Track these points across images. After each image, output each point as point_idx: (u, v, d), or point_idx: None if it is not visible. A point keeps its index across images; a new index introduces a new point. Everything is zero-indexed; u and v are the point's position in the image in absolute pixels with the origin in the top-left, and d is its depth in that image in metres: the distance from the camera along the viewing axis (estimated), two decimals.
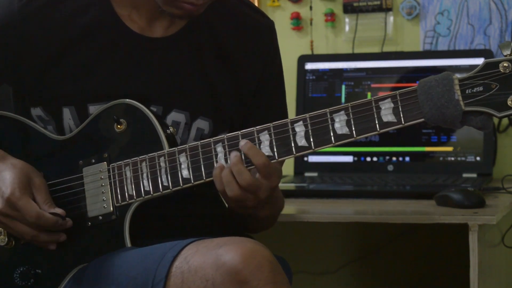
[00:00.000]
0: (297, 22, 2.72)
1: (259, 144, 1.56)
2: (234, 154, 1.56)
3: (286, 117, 1.85)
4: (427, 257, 2.63)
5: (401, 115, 1.49)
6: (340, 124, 1.52)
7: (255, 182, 1.56)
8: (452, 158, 2.42)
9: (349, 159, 2.50)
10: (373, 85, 2.51)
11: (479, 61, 2.42)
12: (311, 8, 2.71)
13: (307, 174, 2.51)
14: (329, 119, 1.53)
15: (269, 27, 1.83)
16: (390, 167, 2.46)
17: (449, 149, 2.42)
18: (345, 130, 1.52)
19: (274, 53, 1.83)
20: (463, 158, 2.41)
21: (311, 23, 2.72)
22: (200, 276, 1.44)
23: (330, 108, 1.53)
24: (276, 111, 1.83)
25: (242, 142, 1.56)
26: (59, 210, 1.63)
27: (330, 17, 2.69)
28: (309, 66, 2.58)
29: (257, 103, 1.80)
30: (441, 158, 2.43)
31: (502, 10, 2.55)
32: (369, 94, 2.51)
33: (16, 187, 1.61)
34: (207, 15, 1.72)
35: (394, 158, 2.46)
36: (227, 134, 1.58)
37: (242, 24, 1.78)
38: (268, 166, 1.55)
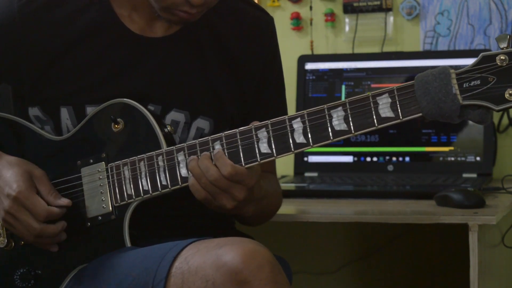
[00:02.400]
0: (297, 22, 2.73)
1: (257, 141, 1.56)
2: (204, 153, 1.57)
3: (286, 113, 1.85)
4: (427, 257, 2.63)
5: (399, 110, 1.49)
6: (338, 120, 1.52)
7: (223, 180, 1.56)
8: (452, 158, 2.42)
9: (349, 159, 2.49)
10: (373, 85, 2.51)
11: None
12: (311, 8, 2.71)
13: (307, 174, 2.51)
14: (326, 115, 1.52)
15: (269, 23, 1.83)
16: (390, 167, 2.46)
17: (449, 149, 2.42)
18: (343, 126, 1.52)
19: (274, 49, 1.83)
20: (463, 158, 2.41)
21: (311, 23, 2.72)
22: (200, 276, 1.44)
23: (327, 104, 1.53)
24: (277, 107, 1.83)
25: (215, 152, 1.56)
26: (65, 201, 1.63)
27: (330, 17, 2.70)
28: (309, 66, 2.58)
29: (258, 100, 1.80)
30: (441, 158, 2.43)
31: (502, 10, 2.55)
32: (369, 94, 2.50)
33: (21, 184, 1.61)
34: (206, 14, 1.72)
35: (394, 158, 2.46)
36: (225, 132, 1.58)
37: (242, 21, 1.79)
38: (235, 175, 1.55)
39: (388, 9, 2.64)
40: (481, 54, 1.46)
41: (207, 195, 1.58)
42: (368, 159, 2.48)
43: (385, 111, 1.50)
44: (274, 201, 1.80)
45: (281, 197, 1.85)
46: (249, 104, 1.79)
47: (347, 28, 2.69)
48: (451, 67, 2.42)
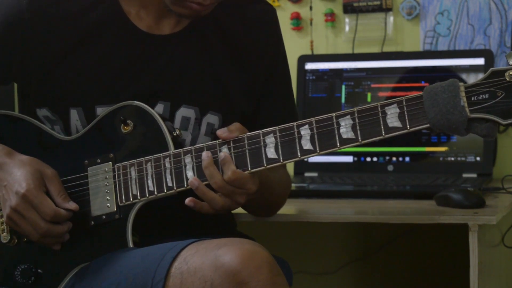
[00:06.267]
0: (297, 22, 2.73)
1: (265, 146, 1.57)
2: (206, 155, 1.58)
3: (294, 102, 1.88)
4: (427, 257, 2.63)
5: (407, 121, 1.50)
6: (345, 128, 1.53)
7: (227, 185, 1.57)
8: (452, 158, 2.42)
9: (349, 159, 2.50)
10: (373, 85, 2.51)
11: (479, 61, 2.43)
12: (311, 8, 2.71)
13: (307, 174, 2.51)
14: (334, 123, 1.54)
15: (272, 14, 1.83)
16: (390, 167, 2.46)
17: (449, 149, 2.42)
18: (350, 135, 1.53)
19: (278, 40, 1.84)
20: (463, 158, 2.41)
21: (311, 23, 2.72)
22: (199, 277, 1.45)
23: (336, 113, 1.54)
24: (285, 97, 1.85)
25: (222, 155, 1.57)
26: (73, 205, 1.63)
27: (330, 17, 2.70)
28: (309, 66, 2.58)
29: (267, 91, 1.81)
30: (441, 158, 2.43)
31: (502, 10, 2.55)
32: (369, 94, 2.51)
33: (30, 182, 1.61)
34: (212, 10, 1.72)
35: (394, 158, 2.46)
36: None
37: (246, 15, 1.80)
38: (235, 180, 1.57)
39: (388, 9, 2.64)
40: (490, 69, 1.49)
41: (213, 209, 1.61)
42: (368, 159, 2.48)
43: (393, 121, 1.51)
44: (279, 190, 1.80)
45: (288, 186, 1.86)
46: (257, 96, 1.80)
47: (347, 28, 2.69)
48: (451, 67, 2.45)
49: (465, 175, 2.38)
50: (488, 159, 2.40)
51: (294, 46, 2.70)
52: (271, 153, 1.57)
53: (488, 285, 1.95)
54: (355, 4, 2.66)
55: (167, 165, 1.62)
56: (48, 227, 1.61)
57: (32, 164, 1.65)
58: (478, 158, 2.40)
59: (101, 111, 1.70)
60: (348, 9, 2.68)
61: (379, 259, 2.68)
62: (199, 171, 1.59)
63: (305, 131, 1.55)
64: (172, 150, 1.62)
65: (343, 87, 2.54)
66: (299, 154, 1.55)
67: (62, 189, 1.65)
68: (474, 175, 2.38)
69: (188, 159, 1.61)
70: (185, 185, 1.60)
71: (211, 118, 1.75)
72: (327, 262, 2.73)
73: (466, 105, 1.47)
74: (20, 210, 1.60)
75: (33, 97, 1.74)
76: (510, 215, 2.05)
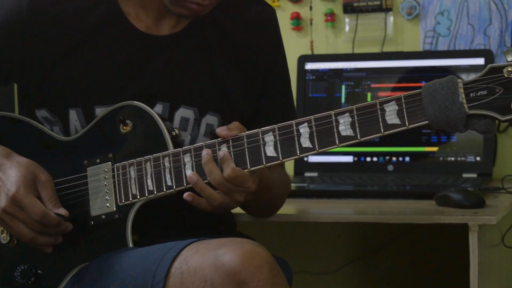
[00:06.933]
0: (297, 22, 2.73)
1: (264, 145, 1.57)
2: (205, 152, 1.58)
3: (293, 104, 1.88)
4: (427, 257, 2.63)
5: (405, 118, 1.50)
6: (344, 126, 1.53)
7: (226, 183, 1.57)
8: (452, 158, 2.42)
9: (349, 159, 2.50)
10: (373, 85, 2.51)
11: (479, 61, 2.43)
12: (311, 8, 2.71)
13: (307, 174, 2.51)
14: (333, 121, 1.54)
15: (271, 15, 1.84)
16: (390, 167, 2.46)
17: (449, 149, 2.42)
18: (349, 132, 1.53)
19: (278, 40, 1.85)
20: (463, 158, 2.41)
21: (311, 23, 2.72)
22: (199, 276, 1.45)
23: (335, 110, 1.54)
24: (284, 99, 1.85)
25: (221, 154, 1.57)
26: (63, 211, 1.62)
27: (330, 17, 2.70)
28: (309, 66, 2.58)
29: (266, 92, 1.81)
30: (441, 158, 2.43)
31: (502, 10, 2.55)
32: (369, 94, 2.51)
33: (21, 185, 1.60)
34: (211, 10, 1.73)
35: (394, 158, 2.46)
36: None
37: (245, 16, 1.80)
38: (234, 178, 1.57)
39: (388, 9, 2.64)
40: (488, 66, 1.49)
41: (211, 207, 1.60)
42: (368, 159, 2.48)
43: (392, 118, 1.51)
44: (278, 191, 1.80)
45: (288, 187, 1.87)
46: (257, 97, 1.80)
47: (347, 28, 2.69)
48: (451, 67, 2.45)
49: (465, 175, 2.38)
50: (488, 159, 2.40)
51: (294, 46, 2.70)
52: (270, 151, 1.57)
53: (488, 285, 1.95)
54: (355, 4, 2.66)
55: (166, 164, 1.62)
56: (38, 229, 1.61)
57: (28, 167, 1.64)
58: (478, 158, 2.40)
59: (100, 111, 1.70)
60: (348, 9, 2.68)
61: (379, 259, 2.68)
62: (199, 170, 1.59)
63: (304, 129, 1.55)
64: (171, 149, 1.63)
65: (343, 87, 2.54)
66: (298, 152, 1.56)
67: (53, 195, 1.64)
68: (474, 175, 2.38)
69: (187, 158, 1.61)
70: (185, 184, 1.60)
71: (211, 119, 1.75)
72: (327, 262, 2.73)
73: (464, 101, 1.48)
74: (9, 212, 1.60)
75: (33, 97, 1.74)
76: (510, 215, 2.05)
